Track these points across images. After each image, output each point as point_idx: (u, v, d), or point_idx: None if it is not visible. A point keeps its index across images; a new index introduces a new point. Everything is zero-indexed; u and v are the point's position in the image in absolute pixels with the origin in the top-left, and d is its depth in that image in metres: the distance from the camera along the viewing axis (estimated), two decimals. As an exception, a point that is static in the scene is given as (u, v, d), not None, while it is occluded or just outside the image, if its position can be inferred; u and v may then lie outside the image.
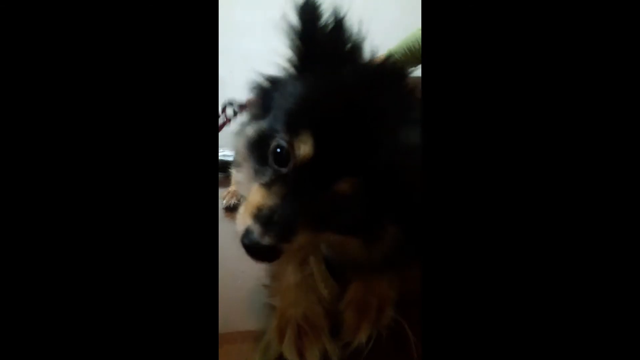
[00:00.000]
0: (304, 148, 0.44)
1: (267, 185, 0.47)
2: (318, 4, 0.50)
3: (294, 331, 0.47)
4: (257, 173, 0.50)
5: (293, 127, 0.46)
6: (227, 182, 1.19)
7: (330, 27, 0.50)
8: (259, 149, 0.50)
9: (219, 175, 1.33)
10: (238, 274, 0.70)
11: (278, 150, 0.47)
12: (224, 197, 1.11)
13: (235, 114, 1.31)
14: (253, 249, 0.44)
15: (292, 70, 0.54)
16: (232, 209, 1.09)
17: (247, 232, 0.44)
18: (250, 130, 0.53)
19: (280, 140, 0.46)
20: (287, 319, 0.49)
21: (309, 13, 0.50)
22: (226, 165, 1.26)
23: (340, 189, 0.44)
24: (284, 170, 0.46)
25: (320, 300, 0.52)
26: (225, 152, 1.32)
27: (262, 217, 0.44)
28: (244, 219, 0.45)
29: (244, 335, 0.52)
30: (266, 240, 0.43)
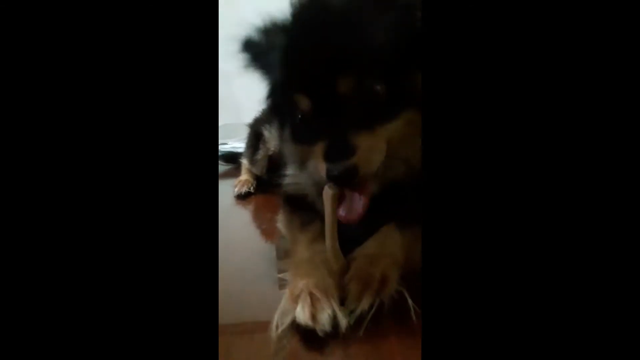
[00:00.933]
0: (302, 101, 0.56)
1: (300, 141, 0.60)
2: None
3: (306, 298, 0.53)
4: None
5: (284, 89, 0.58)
6: (237, 172, 1.25)
7: None
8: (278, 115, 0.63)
9: (230, 166, 1.38)
10: (248, 257, 0.77)
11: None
12: (236, 185, 1.17)
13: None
14: (337, 178, 0.54)
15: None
16: (243, 197, 1.14)
17: (329, 171, 0.53)
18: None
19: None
20: (300, 288, 0.55)
21: None
22: (236, 156, 1.32)
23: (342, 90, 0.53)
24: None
25: (330, 273, 0.58)
26: (235, 144, 1.38)
27: (327, 153, 0.54)
28: (319, 169, 0.56)
29: (253, 326, 0.58)
30: (338, 168, 0.53)
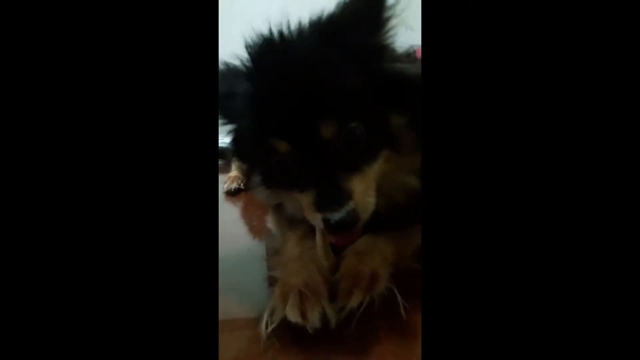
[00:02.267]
0: (280, 146, 0.55)
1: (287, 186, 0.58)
2: None
3: (296, 296, 0.53)
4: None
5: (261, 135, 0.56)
6: (227, 168, 1.25)
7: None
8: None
9: (220, 162, 1.38)
10: (237, 254, 0.77)
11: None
12: (225, 182, 1.17)
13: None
14: (338, 227, 0.52)
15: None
16: (232, 193, 1.15)
17: (327, 221, 0.52)
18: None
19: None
20: (290, 286, 0.55)
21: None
22: (227, 152, 1.31)
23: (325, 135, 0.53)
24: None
25: (319, 271, 0.58)
26: (226, 140, 1.37)
27: (321, 206, 0.53)
28: (311, 218, 0.56)
29: (243, 322, 0.58)
30: (339, 215, 0.51)
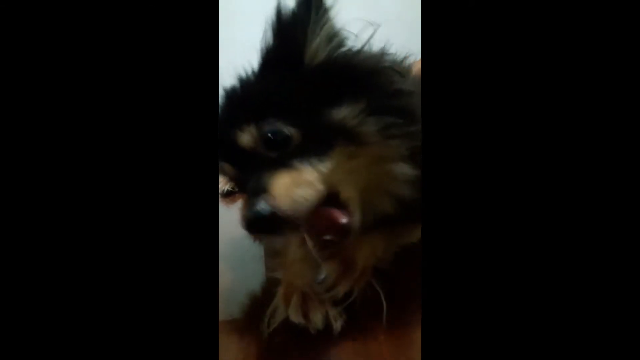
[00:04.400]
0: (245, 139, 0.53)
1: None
2: None
3: (299, 297, 0.54)
4: None
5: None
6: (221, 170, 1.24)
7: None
8: None
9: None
10: (236, 256, 0.77)
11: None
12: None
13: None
14: (255, 223, 0.48)
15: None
16: (225, 195, 1.14)
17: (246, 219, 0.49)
18: None
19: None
20: (293, 288, 0.56)
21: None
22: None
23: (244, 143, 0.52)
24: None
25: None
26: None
27: (247, 202, 0.49)
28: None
29: (242, 323, 0.59)
30: (249, 214, 0.47)
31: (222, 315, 0.58)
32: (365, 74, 0.55)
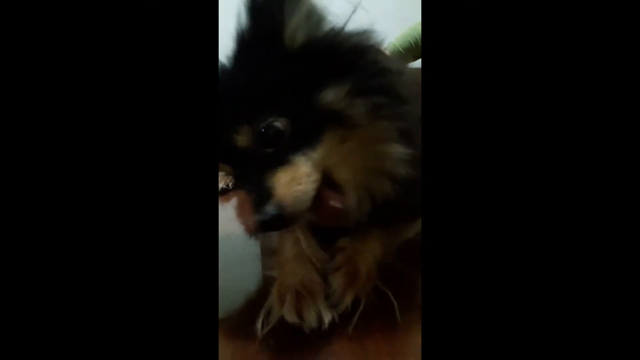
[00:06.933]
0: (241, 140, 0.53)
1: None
2: None
3: (293, 297, 0.54)
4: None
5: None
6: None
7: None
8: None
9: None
10: (233, 254, 0.77)
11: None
12: (213, 181, 1.15)
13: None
14: (268, 226, 0.52)
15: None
16: (220, 193, 1.14)
17: (257, 223, 0.51)
18: None
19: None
20: (287, 287, 0.56)
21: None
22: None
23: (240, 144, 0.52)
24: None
25: (316, 269, 0.59)
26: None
27: (256, 205, 0.51)
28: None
29: (239, 322, 0.58)
30: (262, 217, 0.50)
31: (219, 314, 0.58)
32: (349, 53, 0.55)
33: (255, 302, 0.59)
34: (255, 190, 0.52)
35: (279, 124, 0.52)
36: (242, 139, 0.52)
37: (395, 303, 0.57)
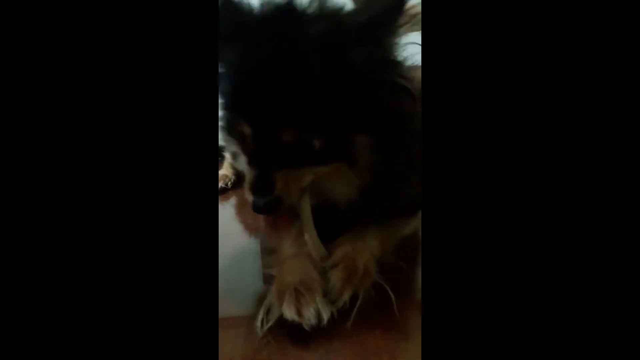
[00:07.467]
0: (245, 129, 0.56)
1: (248, 162, 0.58)
2: None
3: (292, 294, 0.54)
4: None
5: (233, 113, 0.58)
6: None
7: None
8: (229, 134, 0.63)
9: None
10: (233, 252, 0.77)
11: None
12: (213, 180, 1.16)
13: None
14: (261, 210, 0.56)
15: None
16: (220, 192, 1.14)
17: (253, 203, 0.56)
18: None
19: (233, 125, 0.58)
20: (286, 285, 0.56)
21: None
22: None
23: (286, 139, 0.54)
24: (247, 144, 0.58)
25: (314, 266, 0.60)
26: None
27: (252, 188, 0.56)
28: (247, 194, 0.57)
29: (239, 320, 0.59)
30: (262, 202, 0.55)
31: (219, 313, 0.58)
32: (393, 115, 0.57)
33: (255, 301, 0.60)
34: (262, 174, 0.55)
35: (319, 144, 0.54)
36: (286, 137, 0.53)
37: (393, 297, 0.57)
